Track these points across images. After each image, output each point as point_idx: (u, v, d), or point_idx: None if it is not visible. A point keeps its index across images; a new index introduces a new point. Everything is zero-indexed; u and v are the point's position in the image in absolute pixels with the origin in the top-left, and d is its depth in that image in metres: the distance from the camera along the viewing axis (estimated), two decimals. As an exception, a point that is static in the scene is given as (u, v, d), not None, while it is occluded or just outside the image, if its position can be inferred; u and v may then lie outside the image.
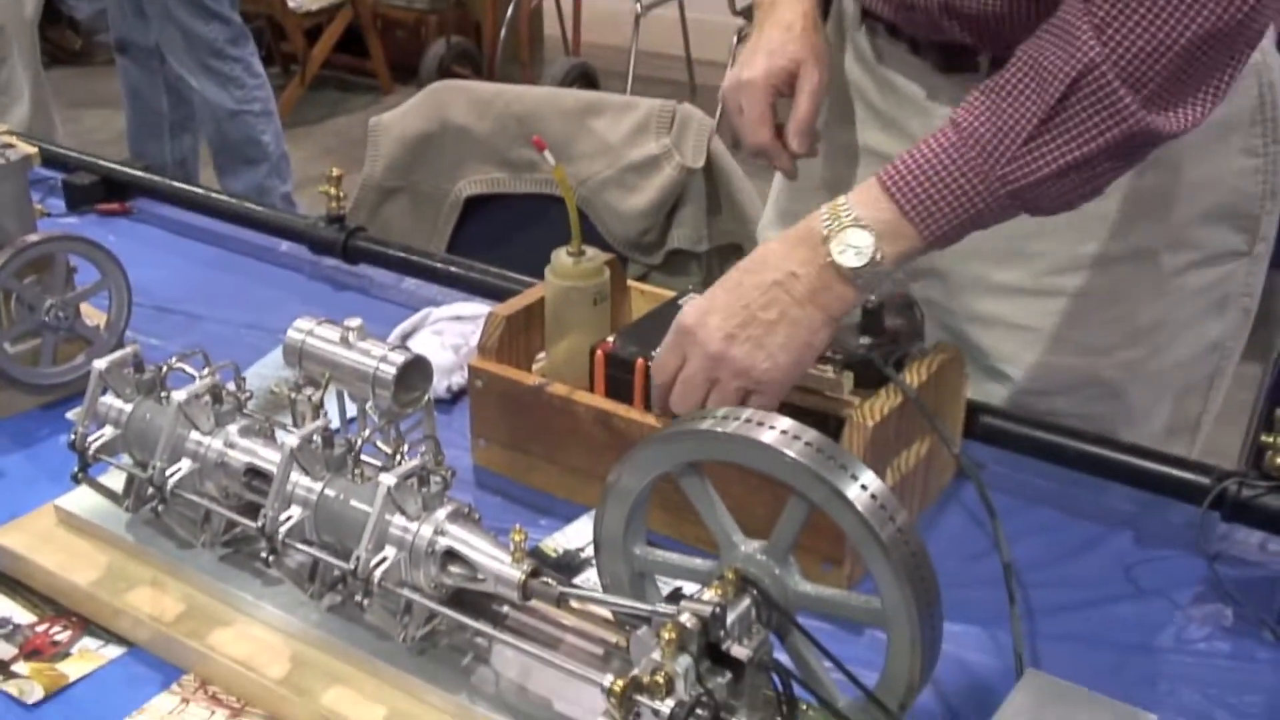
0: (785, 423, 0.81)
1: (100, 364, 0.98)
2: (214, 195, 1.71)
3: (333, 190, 1.52)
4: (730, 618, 0.77)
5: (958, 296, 1.24)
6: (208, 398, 0.96)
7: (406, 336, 1.34)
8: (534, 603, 0.86)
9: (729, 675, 0.77)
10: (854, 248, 0.95)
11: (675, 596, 0.94)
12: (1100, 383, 1.21)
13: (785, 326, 0.97)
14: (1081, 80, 0.91)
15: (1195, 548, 1.05)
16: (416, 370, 0.95)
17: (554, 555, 1.05)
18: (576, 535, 1.08)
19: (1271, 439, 1.02)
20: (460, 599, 0.88)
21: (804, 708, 0.81)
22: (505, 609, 0.90)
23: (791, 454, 0.78)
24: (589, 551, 1.06)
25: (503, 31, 5.07)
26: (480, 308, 1.37)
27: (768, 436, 0.79)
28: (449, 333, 1.34)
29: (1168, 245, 1.17)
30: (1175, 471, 1.08)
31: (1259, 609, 0.98)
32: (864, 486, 0.77)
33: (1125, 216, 1.16)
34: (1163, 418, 1.24)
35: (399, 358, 0.94)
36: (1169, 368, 1.22)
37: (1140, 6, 0.89)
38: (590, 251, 1.15)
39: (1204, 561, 1.04)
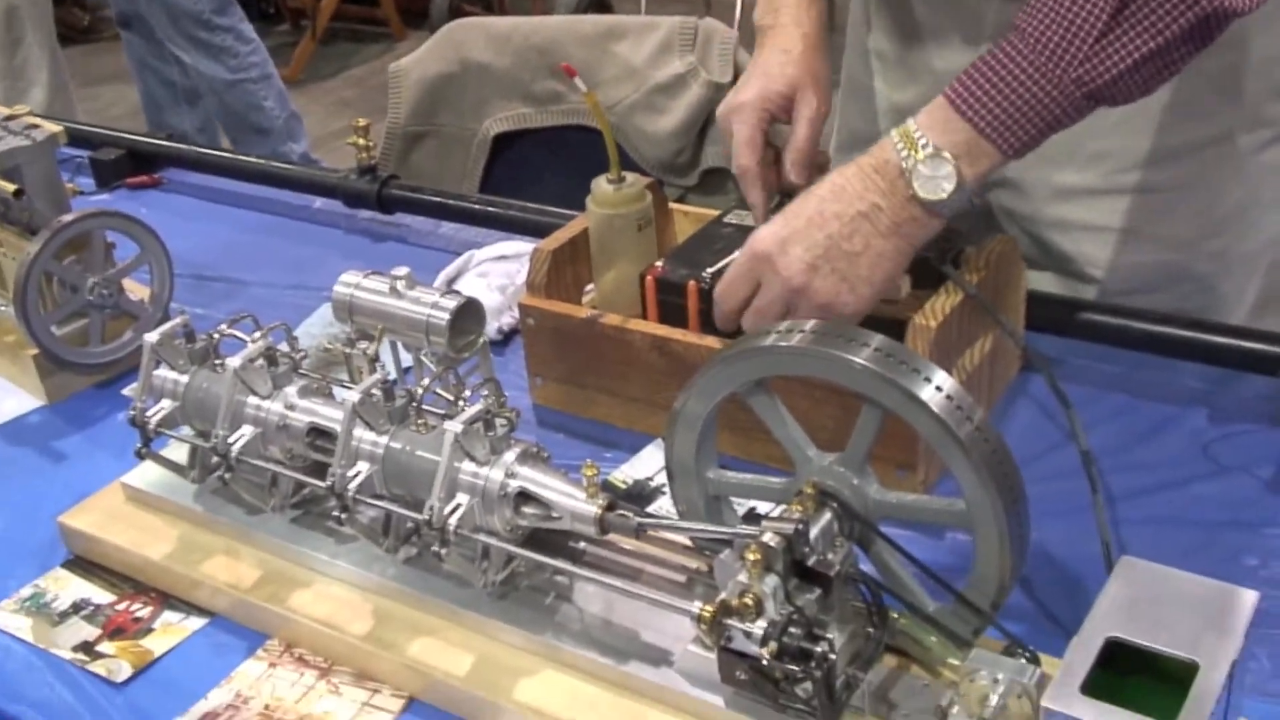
0: (849, 330, 0.79)
1: (152, 337, 0.98)
2: (242, 159, 1.70)
3: (361, 140, 1.50)
4: (813, 533, 0.76)
5: (1034, 204, 1.21)
6: (262, 361, 0.95)
7: (451, 281, 1.32)
8: (610, 536, 0.85)
9: (817, 591, 0.76)
10: (935, 179, 0.92)
11: (753, 517, 0.93)
12: (1191, 277, 1.18)
13: (869, 259, 0.95)
14: None
15: (1273, 420, 1.02)
16: (469, 313, 0.94)
17: (624, 487, 1.04)
18: (644, 465, 1.07)
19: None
20: (536, 539, 0.88)
21: (895, 616, 0.80)
22: (582, 545, 0.90)
23: (861, 360, 0.76)
24: (659, 480, 1.05)
25: (509, -36, 5.00)
26: (523, 246, 1.35)
27: (834, 346, 0.78)
28: (493, 274, 1.32)
29: (1243, 126, 1.14)
30: (1245, 344, 1.06)
31: (1346, 476, 0.96)
32: (938, 387, 0.76)
33: (1196, 103, 1.12)
34: (1252, 296, 1.22)
35: (451, 303, 0.93)
36: (1257, 249, 1.19)
37: None
38: (630, 177, 1.13)
39: (1284, 433, 1.02)
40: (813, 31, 1.13)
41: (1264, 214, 1.17)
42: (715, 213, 1.21)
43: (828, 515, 0.78)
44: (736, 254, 1.10)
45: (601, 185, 1.12)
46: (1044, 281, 1.23)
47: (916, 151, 0.92)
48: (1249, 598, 0.70)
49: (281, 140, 3.52)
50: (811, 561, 0.75)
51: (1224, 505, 0.97)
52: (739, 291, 0.99)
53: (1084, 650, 0.68)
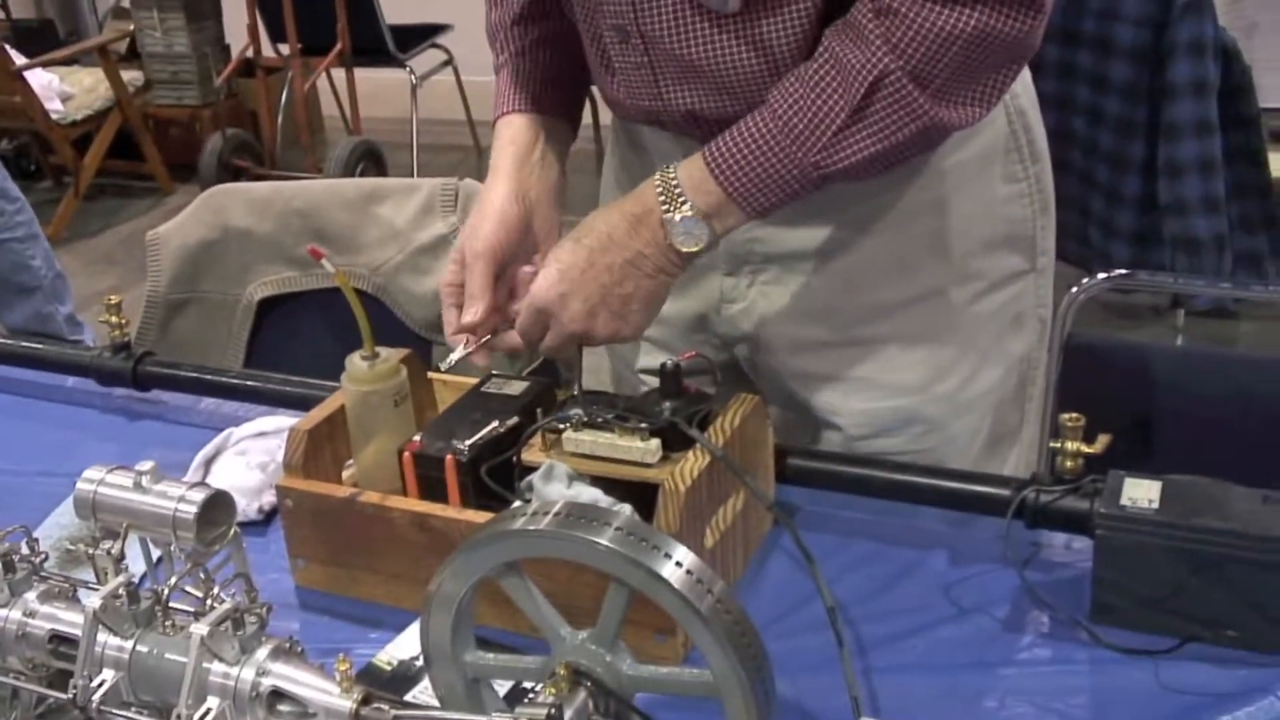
0: (594, 511, 0.81)
1: (-127, 549, 0.93)
2: (-14, 340, 1.64)
3: (114, 318, 1.47)
4: (568, 715, 0.77)
5: (776, 357, 1.28)
6: (-2, 568, 0.92)
7: (210, 461, 1.30)
8: (372, 727, 0.84)
9: (574, 773, 0.76)
10: (692, 235, 1.06)
11: (516, 694, 0.94)
12: (923, 419, 1.25)
13: (640, 297, 1.09)
14: (880, 83, 1.00)
15: (1004, 559, 1.08)
16: (218, 506, 0.93)
17: (389, 669, 1.03)
18: (409, 644, 1.06)
19: (1060, 444, 1.07)
20: (295, 736, 0.86)
21: (653, 789, 0.81)
22: (344, 737, 0.88)
23: (604, 543, 0.78)
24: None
25: (279, 118, 4.99)
26: (284, 420, 1.34)
27: (578, 529, 0.80)
28: (253, 451, 1.30)
29: (954, 281, 1.22)
30: (976, 488, 1.13)
31: (1072, 610, 1.02)
32: (678, 563, 0.78)
33: (910, 263, 1.21)
34: (984, 435, 1.29)
35: (198, 496, 0.91)
36: (982, 391, 1.27)
37: (920, 16, 0.98)
38: (384, 352, 1.14)
39: (1015, 571, 1.08)
40: (554, 185, 1.21)
41: (983, 359, 1.26)
42: (474, 381, 1.23)
43: (582, 695, 0.79)
44: (495, 423, 1.13)
45: (355, 362, 1.13)
46: (798, 430, 1.30)
47: (677, 208, 1.06)
48: (976, 748, 0.74)
49: (48, 300, 3.41)
50: (566, 744, 0.76)
51: (965, 647, 1.02)
52: (533, 335, 1.13)
53: (826, 815, 0.70)
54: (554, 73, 1.24)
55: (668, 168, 1.08)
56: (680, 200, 1.06)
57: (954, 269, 1.22)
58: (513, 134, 1.22)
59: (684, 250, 1.07)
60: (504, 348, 1.17)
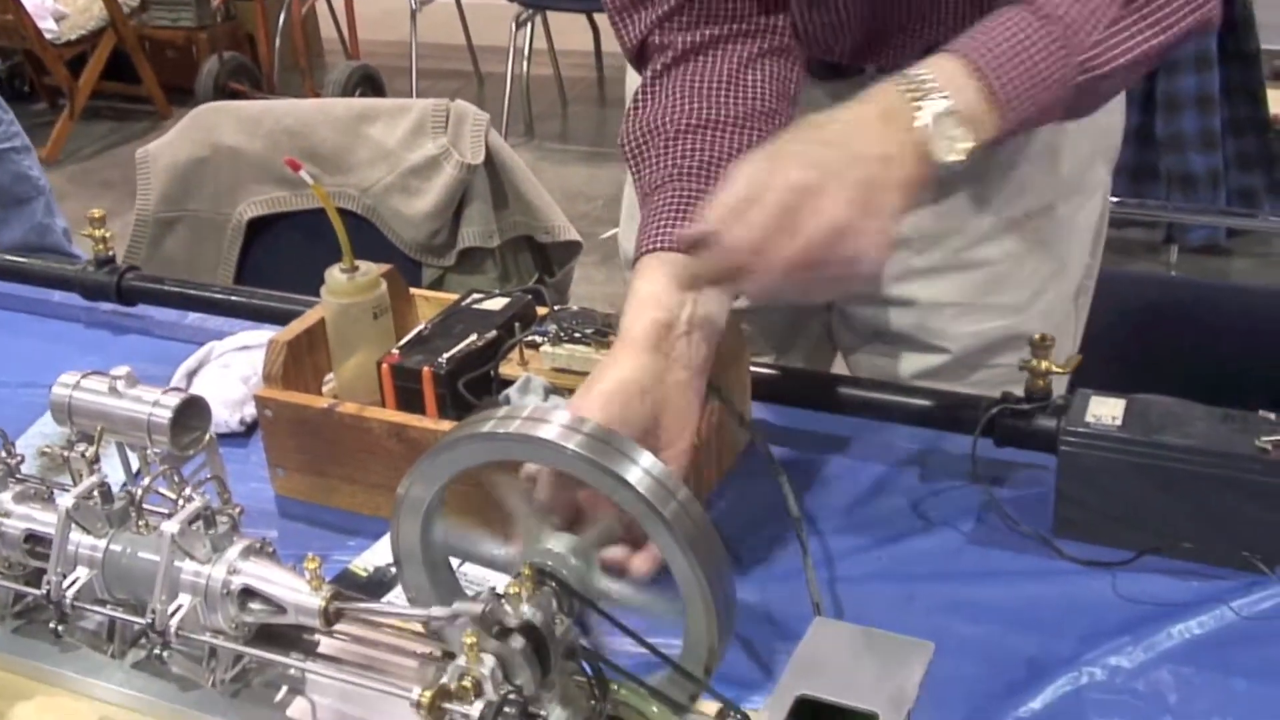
0: (564, 416, 0.83)
1: None
2: (-31, 254, 1.64)
3: (97, 232, 1.47)
4: (525, 608, 0.79)
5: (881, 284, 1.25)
6: (-26, 469, 0.93)
7: (192, 374, 1.31)
8: (345, 625, 0.86)
9: (537, 668, 0.78)
10: (950, 138, 0.86)
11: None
12: (1024, 336, 1.25)
13: (888, 214, 0.85)
14: None
15: (970, 476, 1.09)
16: (193, 411, 0.94)
17: (364, 575, 1.05)
18: (386, 551, 1.08)
19: (1032, 363, 1.08)
20: (270, 634, 0.88)
21: (615, 688, 0.83)
22: (317, 636, 0.90)
23: (570, 447, 0.80)
24: (397, 565, 1.06)
25: (277, 41, 4.96)
26: (266, 334, 1.35)
27: (547, 432, 0.81)
28: (236, 364, 1.31)
29: (1061, 195, 1.23)
30: (947, 405, 1.14)
31: (1036, 526, 1.04)
32: (644, 469, 0.79)
33: (1023, 180, 1.21)
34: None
35: (172, 400, 0.93)
36: (1066, 305, 1.29)
37: None
38: (364, 266, 1.15)
39: (983, 488, 1.09)
40: (699, 369, 0.97)
41: (1073, 274, 1.28)
42: (455, 297, 1.24)
43: (546, 592, 0.81)
44: (474, 337, 1.14)
45: (335, 275, 1.14)
46: (888, 360, 1.30)
47: (933, 102, 0.86)
48: (926, 649, 0.76)
49: (45, 213, 3.41)
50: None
51: (929, 559, 1.03)
52: (777, 244, 0.83)
53: (777, 707, 0.72)
54: None
55: (904, 72, 0.89)
56: (938, 94, 0.86)
57: (1062, 183, 1.22)
58: (656, 291, 0.95)
59: (939, 159, 0.85)
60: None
